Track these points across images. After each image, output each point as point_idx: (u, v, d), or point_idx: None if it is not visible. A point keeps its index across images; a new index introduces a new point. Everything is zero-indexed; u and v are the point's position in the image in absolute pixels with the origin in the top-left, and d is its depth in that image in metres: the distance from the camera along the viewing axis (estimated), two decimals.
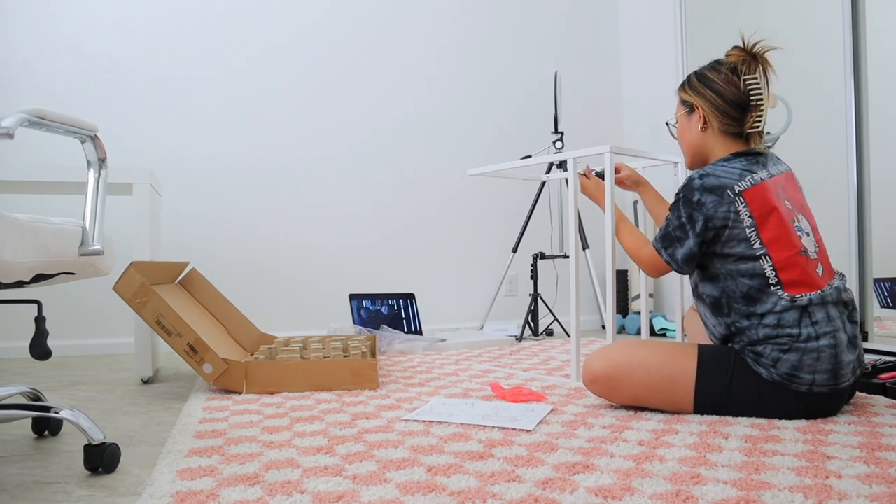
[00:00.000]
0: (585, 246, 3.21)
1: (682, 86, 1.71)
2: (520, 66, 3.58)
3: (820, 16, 2.58)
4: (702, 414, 1.51)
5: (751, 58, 1.57)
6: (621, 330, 3.37)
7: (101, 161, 1.26)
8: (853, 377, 1.47)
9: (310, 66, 3.19)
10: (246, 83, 3.09)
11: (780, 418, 1.46)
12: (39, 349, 1.23)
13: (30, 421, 1.52)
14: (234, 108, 3.07)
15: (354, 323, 2.83)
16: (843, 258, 2.48)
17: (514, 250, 3.23)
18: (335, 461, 1.20)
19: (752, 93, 1.56)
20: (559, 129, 3.18)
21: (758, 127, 1.58)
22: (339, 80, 3.24)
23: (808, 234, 1.52)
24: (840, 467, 1.11)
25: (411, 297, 3.00)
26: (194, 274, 2.30)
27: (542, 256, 3.11)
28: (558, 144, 3.11)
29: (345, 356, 2.10)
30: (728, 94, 1.58)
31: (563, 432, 1.38)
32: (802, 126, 2.69)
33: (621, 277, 3.47)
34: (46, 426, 1.47)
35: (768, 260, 1.47)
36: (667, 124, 1.81)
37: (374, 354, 2.17)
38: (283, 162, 3.14)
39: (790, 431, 1.34)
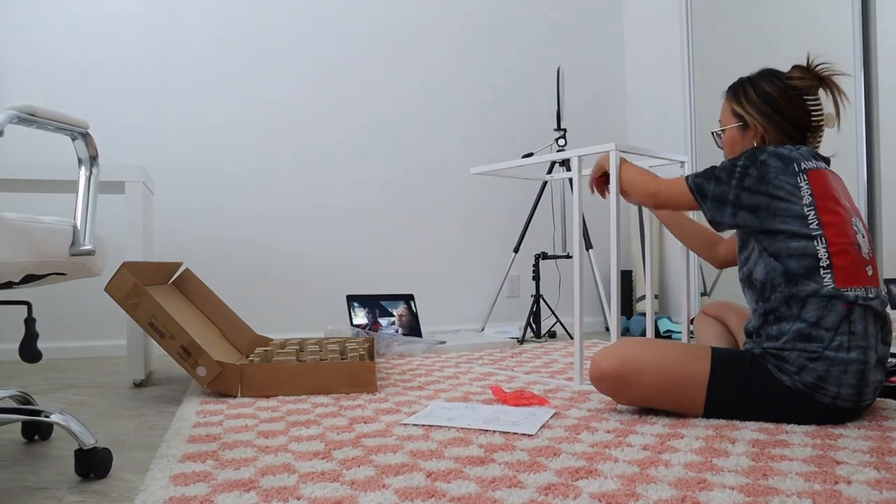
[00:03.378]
0: (589, 246, 3.19)
1: (737, 97, 1.63)
2: (522, 63, 3.57)
3: (829, 12, 2.57)
4: (711, 418, 1.49)
5: (816, 80, 1.55)
6: (625, 332, 3.35)
7: (93, 159, 1.25)
8: (874, 396, 1.44)
9: (308, 64, 3.17)
10: (242, 80, 3.07)
11: (789, 419, 1.44)
12: (29, 351, 1.21)
13: (19, 425, 1.50)
14: (229, 105, 3.05)
15: (351, 324, 2.80)
16: None
17: (516, 250, 3.20)
18: (332, 466, 1.18)
19: (813, 114, 1.55)
20: (562, 127, 3.17)
21: (819, 145, 1.60)
22: (337, 79, 3.22)
23: (863, 236, 1.47)
24: (849, 473, 1.09)
25: (410, 297, 2.98)
26: (188, 274, 2.27)
27: (545, 256, 3.08)
28: (561, 142, 3.10)
29: (342, 359, 2.08)
30: (789, 113, 1.56)
31: (565, 437, 1.36)
32: None
33: (625, 278, 3.45)
34: (36, 430, 1.45)
35: (823, 241, 1.41)
36: (713, 134, 1.73)
37: (372, 357, 2.14)
38: (279, 160, 3.12)
39: (798, 436, 1.32)
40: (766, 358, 1.45)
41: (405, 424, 1.48)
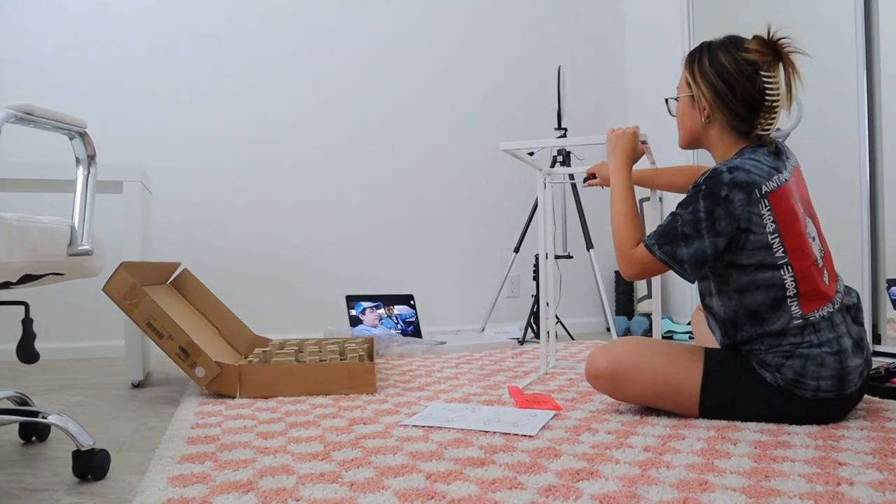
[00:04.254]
0: (590, 246, 3.18)
1: (691, 64, 1.52)
2: (523, 62, 3.56)
3: (832, 10, 2.56)
4: (708, 418, 1.48)
5: (773, 55, 1.42)
6: (626, 332, 3.34)
7: (91, 158, 1.24)
8: (860, 381, 1.44)
9: (307, 64, 3.16)
10: (240, 79, 3.06)
11: (790, 423, 1.43)
12: (27, 352, 1.21)
13: (17, 426, 1.49)
14: (227, 104, 3.04)
15: (351, 325, 2.80)
16: (855, 259, 2.45)
17: (516, 250, 3.20)
18: (332, 468, 1.17)
19: (768, 92, 1.42)
20: (563, 125, 3.16)
21: (768, 130, 1.46)
22: (337, 78, 3.21)
23: (814, 239, 1.45)
24: (852, 474, 1.08)
25: (410, 298, 2.97)
26: (186, 274, 2.26)
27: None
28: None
29: (342, 359, 2.07)
30: (740, 89, 1.43)
31: (566, 438, 1.35)
32: (813, 123, 2.66)
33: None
34: (34, 432, 1.44)
35: (790, 270, 1.38)
36: (666, 101, 1.62)
37: (371, 357, 2.13)
38: (278, 159, 3.11)
39: (801, 437, 1.31)
40: (752, 358, 1.45)
41: (405, 426, 1.48)
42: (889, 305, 2.40)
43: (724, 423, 1.44)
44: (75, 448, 1.16)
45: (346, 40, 3.24)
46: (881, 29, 2.39)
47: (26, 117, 1.11)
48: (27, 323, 1.21)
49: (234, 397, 1.82)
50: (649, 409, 1.58)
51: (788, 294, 1.39)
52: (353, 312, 2.81)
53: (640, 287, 3.41)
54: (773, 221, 1.38)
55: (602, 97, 3.75)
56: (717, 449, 1.24)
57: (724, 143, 1.50)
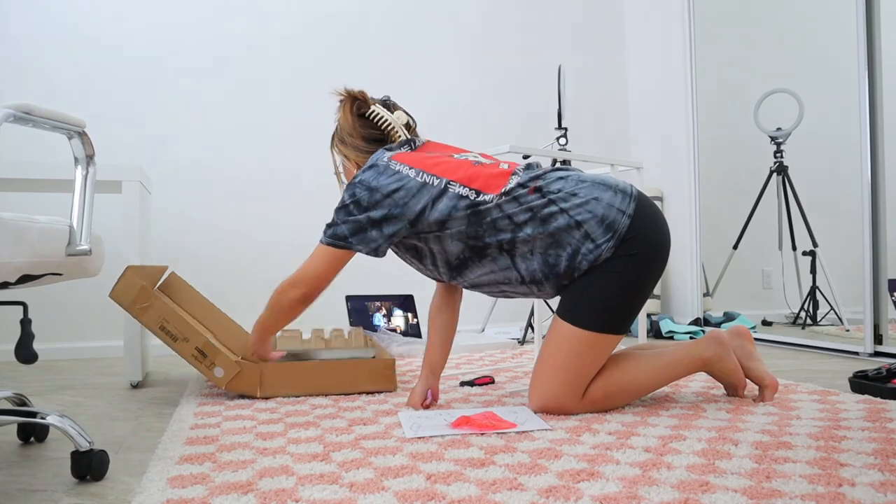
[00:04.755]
0: None
1: (333, 142, 1.81)
2: (523, 61, 3.55)
3: (833, 9, 2.56)
4: (625, 330, 1.56)
5: (360, 99, 1.74)
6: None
7: (89, 158, 1.24)
8: (630, 186, 1.57)
9: (306, 62, 3.16)
10: (240, 79, 3.06)
11: (657, 269, 1.55)
12: (25, 352, 1.20)
13: (15, 427, 1.49)
14: (226, 104, 3.04)
15: (350, 325, 2.79)
16: (856, 258, 2.45)
17: None
18: (331, 468, 1.17)
19: (381, 126, 1.73)
20: (563, 126, 3.15)
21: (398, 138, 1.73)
22: (336, 78, 3.20)
23: (463, 158, 1.63)
24: (854, 475, 1.08)
25: (410, 298, 2.97)
26: (174, 278, 2.24)
27: None
28: (562, 141, 3.08)
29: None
30: (366, 135, 1.73)
31: (567, 438, 1.35)
32: (814, 121, 2.66)
33: None
34: (32, 432, 1.44)
35: (454, 183, 1.54)
36: (335, 174, 1.86)
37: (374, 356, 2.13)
38: (277, 159, 3.11)
39: (802, 438, 1.31)
40: (587, 272, 1.53)
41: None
42: (890, 306, 2.40)
43: (725, 423, 1.44)
44: (74, 449, 1.16)
45: (345, 40, 3.24)
46: (882, 28, 2.39)
47: (25, 117, 1.10)
48: (25, 323, 1.21)
49: (255, 397, 1.81)
50: (650, 410, 1.58)
51: (471, 196, 1.53)
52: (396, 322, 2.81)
53: None
54: (411, 168, 1.56)
55: (602, 96, 3.75)
56: (718, 449, 1.24)
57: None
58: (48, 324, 2.76)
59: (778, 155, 2.96)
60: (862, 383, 1.77)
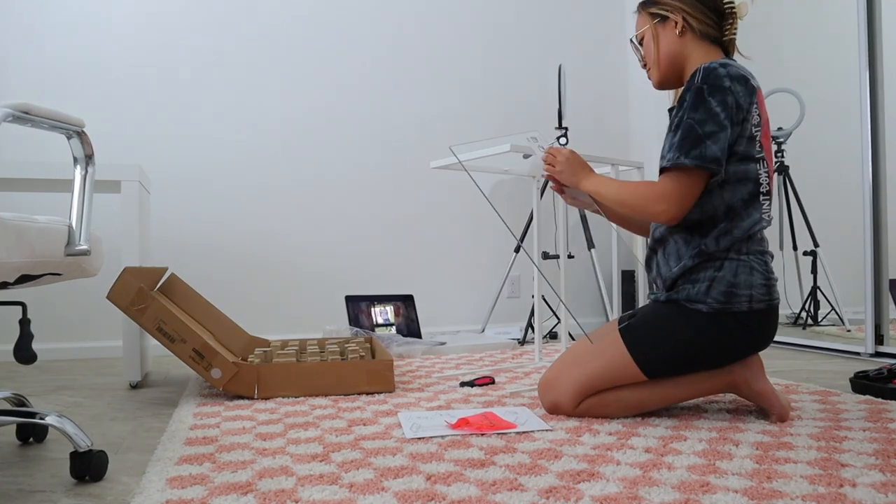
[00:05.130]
0: (591, 245, 3.17)
1: (651, 2, 1.58)
2: (523, 60, 3.55)
3: (834, 7, 2.55)
4: (658, 377, 1.48)
5: None
6: None
7: (89, 157, 1.23)
8: (777, 294, 1.46)
9: (306, 63, 3.15)
10: (239, 79, 3.05)
11: (728, 353, 1.44)
12: (24, 353, 1.20)
13: (14, 427, 1.48)
14: (226, 103, 3.03)
15: (350, 325, 2.79)
16: (857, 258, 2.44)
17: (517, 250, 3.18)
18: (331, 469, 1.17)
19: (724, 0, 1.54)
20: (563, 125, 3.15)
21: (735, 35, 1.55)
22: (335, 78, 3.21)
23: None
24: (855, 475, 1.08)
25: (410, 298, 2.97)
26: (174, 279, 2.23)
27: (546, 256, 3.07)
28: (563, 140, 3.08)
29: (342, 359, 2.06)
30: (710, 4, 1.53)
31: (567, 439, 1.34)
32: (816, 121, 2.66)
33: (627, 277, 3.43)
34: (31, 433, 1.43)
35: (764, 164, 1.44)
36: (631, 41, 1.65)
37: (373, 357, 2.12)
38: (277, 158, 3.10)
39: (803, 438, 1.31)
40: (675, 299, 1.45)
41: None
42: (892, 306, 2.40)
43: (726, 424, 1.44)
44: (73, 449, 1.15)
45: (346, 40, 3.23)
46: (884, 27, 2.38)
47: (24, 116, 1.10)
48: (24, 323, 1.20)
49: (252, 398, 1.81)
50: (650, 411, 1.58)
51: (762, 189, 1.43)
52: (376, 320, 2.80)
53: (643, 286, 3.40)
54: (758, 115, 1.43)
55: (603, 95, 3.74)
56: (719, 450, 1.23)
57: (701, 51, 1.53)
58: (47, 324, 2.76)
59: (779, 155, 2.96)
60: (863, 384, 1.77)
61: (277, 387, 1.81)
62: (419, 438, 1.36)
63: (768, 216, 1.45)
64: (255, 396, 1.80)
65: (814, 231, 2.87)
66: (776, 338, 2.85)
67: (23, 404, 1.44)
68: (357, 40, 3.26)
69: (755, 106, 1.42)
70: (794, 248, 2.95)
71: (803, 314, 2.94)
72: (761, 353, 1.61)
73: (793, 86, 2.85)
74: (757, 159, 1.42)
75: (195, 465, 1.20)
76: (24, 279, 1.12)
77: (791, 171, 2.94)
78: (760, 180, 1.42)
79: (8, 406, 1.43)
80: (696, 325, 1.42)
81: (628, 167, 2.96)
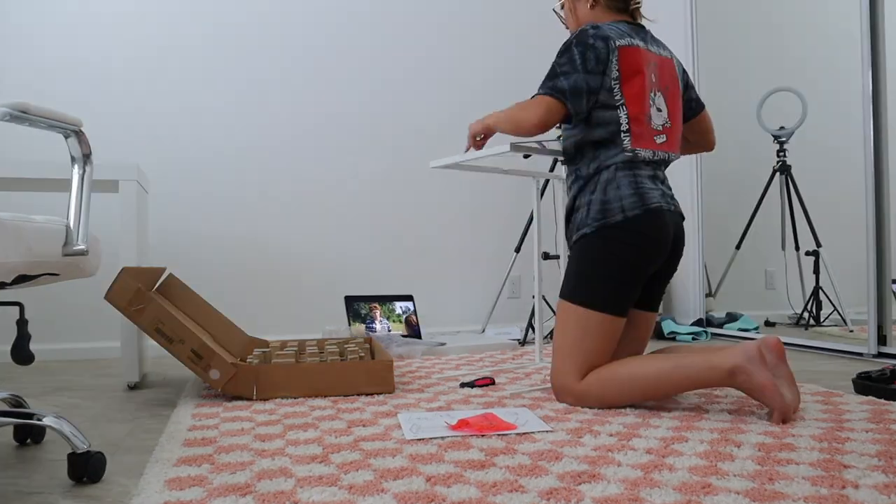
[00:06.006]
0: None
1: None
2: (524, 60, 3.54)
3: (836, 6, 2.55)
4: (615, 309, 1.64)
5: None
6: None
7: (86, 157, 1.23)
8: (668, 204, 1.69)
9: (303, 61, 3.15)
10: (238, 79, 3.05)
11: (634, 265, 1.63)
12: (21, 353, 1.19)
13: (11, 429, 1.48)
14: (225, 103, 3.03)
15: (349, 325, 2.78)
16: (860, 258, 2.44)
17: (517, 250, 3.18)
18: (330, 470, 1.16)
19: None
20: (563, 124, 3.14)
21: (639, 4, 1.82)
22: (335, 77, 3.20)
23: (659, 110, 1.74)
24: (857, 477, 1.07)
25: (410, 299, 2.96)
26: (172, 280, 2.23)
27: (547, 256, 3.06)
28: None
29: (342, 360, 2.05)
30: None
31: (568, 440, 1.33)
32: (818, 120, 2.65)
33: None
34: (29, 434, 1.43)
35: (624, 110, 1.68)
36: (554, 11, 1.98)
37: (373, 357, 2.12)
38: (276, 158, 3.10)
39: (805, 439, 1.30)
40: (571, 237, 1.75)
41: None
42: (895, 306, 2.39)
43: (727, 425, 1.43)
44: (71, 451, 1.15)
45: (346, 40, 3.23)
46: (886, 26, 2.38)
47: (21, 115, 1.09)
48: (22, 324, 1.20)
49: (251, 399, 1.80)
50: (651, 411, 1.57)
51: (622, 129, 1.68)
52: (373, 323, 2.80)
53: None
54: (617, 70, 1.68)
55: None
56: (721, 451, 1.23)
57: (608, 20, 1.80)
58: (45, 324, 2.75)
59: (781, 154, 2.95)
60: (865, 384, 1.76)
61: (276, 387, 1.80)
62: (419, 440, 1.35)
63: (630, 148, 1.68)
64: (254, 397, 1.79)
65: (816, 231, 2.87)
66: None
67: (20, 405, 1.43)
68: (357, 41, 3.25)
69: (613, 62, 1.67)
70: (797, 248, 2.95)
71: (805, 314, 2.93)
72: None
73: (795, 85, 2.84)
74: (616, 106, 1.68)
75: (194, 467, 1.19)
76: (22, 279, 1.12)
77: (793, 171, 2.93)
78: (620, 122, 1.68)
79: (5, 407, 1.43)
80: (591, 246, 1.67)
81: None
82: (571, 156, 1.78)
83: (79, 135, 1.22)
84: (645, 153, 1.70)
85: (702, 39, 3.31)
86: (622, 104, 1.67)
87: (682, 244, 1.78)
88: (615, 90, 1.67)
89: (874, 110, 2.39)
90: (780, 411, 1.43)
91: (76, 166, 1.22)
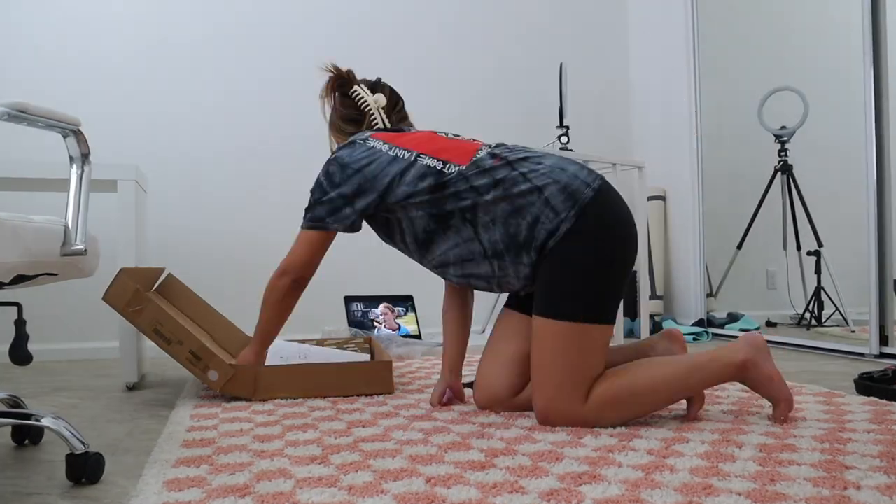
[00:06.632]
0: None
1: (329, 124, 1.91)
2: (524, 59, 3.54)
3: (838, 5, 2.54)
4: (607, 316, 1.45)
5: (344, 77, 1.86)
6: (630, 334, 3.31)
7: (85, 157, 1.23)
8: (596, 183, 1.49)
9: (304, 62, 3.14)
10: (237, 78, 3.05)
11: (627, 251, 1.47)
12: (19, 354, 1.19)
13: (9, 429, 1.47)
14: (224, 102, 3.03)
15: (349, 326, 2.78)
16: (862, 258, 2.43)
17: None
18: (330, 471, 1.15)
19: (360, 106, 1.82)
20: (565, 123, 3.14)
21: (378, 122, 1.81)
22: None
23: (446, 134, 1.68)
24: (859, 477, 1.07)
25: (409, 299, 2.96)
26: (172, 280, 2.22)
27: None
28: (563, 139, 3.07)
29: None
30: (345, 115, 1.84)
31: (568, 441, 1.33)
32: (819, 120, 2.65)
33: (630, 278, 3.42)
34: (27, 435, 1.42)
35: (424, 155, 1.56)
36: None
37: (373, 357, 2.11)
38: (276, 159, 3.09)
39: (807, 440, 1.30)
40: (549, 253, 1.47)
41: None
42: None
43: (728, 426, 1.43)
44: (69, 451, 1.14)
45: (345, 38, 3.23)
46: (888, 25, 2.37)
47: (20, 115, 1.09)
48: (20, 324, 1.19)
49: (250, 400, 1.79)
50: (652, 413, 1.56)
51: (438, 166, 1.54)
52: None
53: (645, 287, 3.39)
54: (382, 143, 1.62)
55: (604, 94, 3.73)
56: (722, 452, 1.22)
57: None
58: (43, 325, 2.75)
59: (782, 153, 2.95)
60: (867, 385, 1.76)
61: (275, 388, 1.80)
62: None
63: (467, 168, 1.52)
64: (253, 398, 1.79)
65: (817, 231, 2.86)
66: (780, 339, 2.83)
67: (18, 406, 1.43)
68: (359, 39, 3.25)
69: (373, 157, 1.59)
70: (798, 247, 2.94)
71: (807, 315, 2.93)
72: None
73: (796, 84, 2.84)
74: (413, 161, 1.56)
75: (192, 468, 1.19)
76: (20, 279, 1.11)
77: (795, 171, 2.93)
78: (430, 165, 1.54)
79: (3, 407, 1.43)
80: (573, 245, 1.44)
81: (629, 167, 2.95)
82: (463, 260, 1.56)
83: (77, 134, 1.21)
84: (484, 155, 1.55)
85: (702, 39, 3.31)
86: (416, 156, 1.57)
87: None
88: (398, 150, 1.59)
89: (876, 109, 2.38)
90: (788, 402, 1.42)
91: (74, 166, 1.22)
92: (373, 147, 1.62)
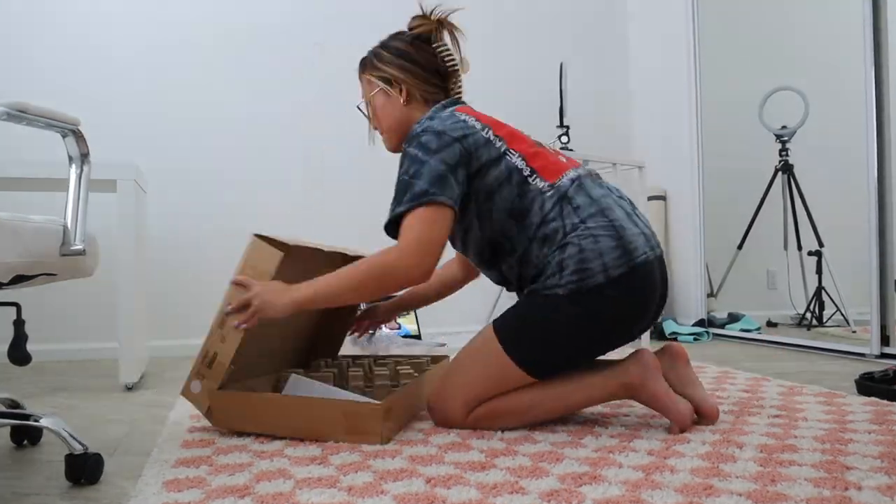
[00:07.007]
0: None
1: (369, 64, 1.64)
2: (524, 58, 3.53)
3: (839, 5, 2.54)
4: (546, 377, 1.39)
5: (437, 25, 1.60)
6: None
7: (84, 156, 1.23)
8: (652, 250, 1.37)
9: (303, 62, 3.14)
10: (236, 77, 3.04)
11: (612, 340, 1.38)
12: (18, 354, 1.19)
13: (8, 430, 1.47)
14: (223, 101, 3.02)
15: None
16: (863, 258, 2.43)
17: None
18: (329, 472, 1.15)
19: (446, 60, 1.58)
20: (565, 123, 3.13)
21: (460, 91, 1.62)
22: (334, 75, 3.19)
23: (540, 143, 1.50)
24: (860, 478, 1.07)
25: None
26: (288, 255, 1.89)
27: None
28: (564, 139, 3.06)
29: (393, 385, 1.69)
30: (422, 59, 1.57)
31: (568, 441, 1.33)
32: (820, 120, 2.65)
33: None
34: (26, 435, 1.42)
35: (514, 153, 1.42)
36: (358, 108, 1.71)
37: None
38: (276, 158, 3.09)
39: (807, 441, 1.29)
40: (536, 290, 1.37)
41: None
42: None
43: (729, 426, 1.42)
44: (68, 452, 1.14)
45: (344, 37, 3.22)
46: (889, 25, 2.37)
47: (19, 115, 1.09)
48: (19, 324, 1.19)
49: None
50: (652, 412, 1.56)
51: (525, 174, 1.40)
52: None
53: None
54: (480, 122, 1.45)
55: (604, 94, 3.72)
56: (722, 453, 1.22)
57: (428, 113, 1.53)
58: (42, 325, 2.74)
59: (783, 153, 2.94)
60: (868, 385, 1.75)
61: (232, 419, 1.43)
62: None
63: (547, 188, 1.39)
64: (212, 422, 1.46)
65: (818, 230, 2.86)
66: (781, 339, 2.83)
67: (17, 406, 1.42)
68: (357, 39, 3.24)
69: (471, 122, 1.44)
70: (799, 247, 2.94)
71: (808, 315, 2.93)
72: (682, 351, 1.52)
73: (797, 84, 2.84)
74: (502, 154, 1.41)
75: (192, 468, 1.19)
76: (19, 279, 1.11)
77: (795, 170, 2.93)
78: (518, 166, 1.41)
79: (2, 408, 1.42)
80: (561, 311, 1.34)
81: (629, 167, 2.95)
82: (495, 251, 1.46)
83: (76, 134, 1.22)
84: (567, 181, 1.40)
85: (702, 39, 3.30)
86: (505, 151, 1.42)
87: (667, 290, 1.46)
88: (490, 137, 1.44)
89: (877, 109, 2.38)
90: (677, 418, 1.37)
91: (73, 165, 1.23)
92: (464, 121, 1.44)
